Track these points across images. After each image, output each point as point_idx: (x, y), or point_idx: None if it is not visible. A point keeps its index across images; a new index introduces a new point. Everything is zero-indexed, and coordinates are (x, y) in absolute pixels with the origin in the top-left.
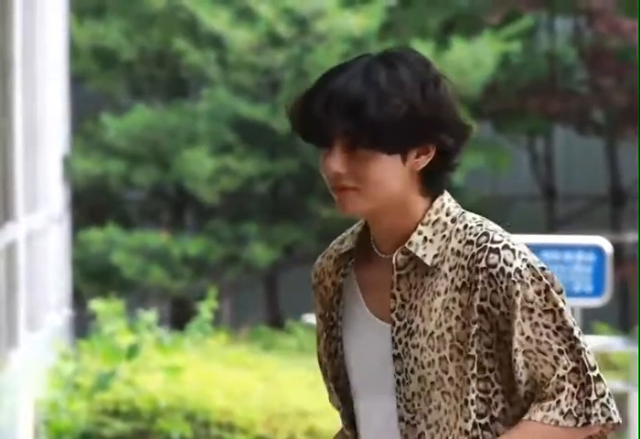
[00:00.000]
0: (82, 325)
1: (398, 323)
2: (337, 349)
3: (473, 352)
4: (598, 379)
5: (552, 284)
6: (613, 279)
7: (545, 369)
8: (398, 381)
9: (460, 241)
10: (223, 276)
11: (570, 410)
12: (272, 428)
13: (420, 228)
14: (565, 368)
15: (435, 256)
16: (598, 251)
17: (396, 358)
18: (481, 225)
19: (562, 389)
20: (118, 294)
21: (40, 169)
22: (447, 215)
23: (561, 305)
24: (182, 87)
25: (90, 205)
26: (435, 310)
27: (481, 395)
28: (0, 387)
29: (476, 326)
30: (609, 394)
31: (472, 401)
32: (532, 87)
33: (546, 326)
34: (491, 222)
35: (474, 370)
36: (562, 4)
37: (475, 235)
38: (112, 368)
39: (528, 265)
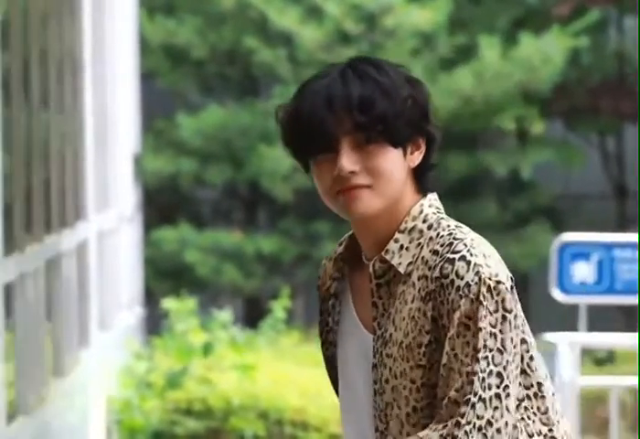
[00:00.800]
0: (155, 323)
1: (378, 332)
2: (334, 354)
3: (423, 362)
4: (472, 406)
5: (503, 300)
6: None
7: (452, 391)
8: (374, 391)
9: (430, 250)
10: (296, 275)
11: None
12: None
13: (396, 235)
14: (465, 394)
15: (409, 264)
16: None
17: (373, 367)
18: (451, 234)
19: (454, 415)
20: (189, 292)
21: (111, 168)
22: (424, 222)
23: (483, 324)
24: (253, 85)
25: (161, 204)
26: (404, 319)
27: None
28: (72, 386)
29: (429, 337)
30: (474, 425)
31: (421, 409)
32: (602, 86)
33: (475, 349)
34: (465, 230)
35: (424, 380)
36: (631, 1)
37: (442, 245)
38: (185, 366)
39: (480, 279)
